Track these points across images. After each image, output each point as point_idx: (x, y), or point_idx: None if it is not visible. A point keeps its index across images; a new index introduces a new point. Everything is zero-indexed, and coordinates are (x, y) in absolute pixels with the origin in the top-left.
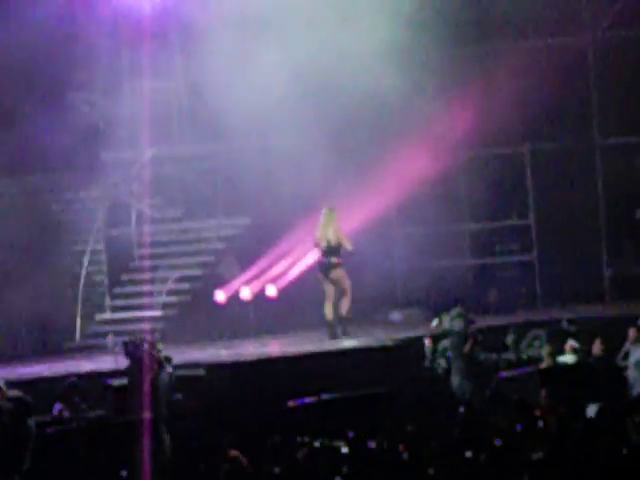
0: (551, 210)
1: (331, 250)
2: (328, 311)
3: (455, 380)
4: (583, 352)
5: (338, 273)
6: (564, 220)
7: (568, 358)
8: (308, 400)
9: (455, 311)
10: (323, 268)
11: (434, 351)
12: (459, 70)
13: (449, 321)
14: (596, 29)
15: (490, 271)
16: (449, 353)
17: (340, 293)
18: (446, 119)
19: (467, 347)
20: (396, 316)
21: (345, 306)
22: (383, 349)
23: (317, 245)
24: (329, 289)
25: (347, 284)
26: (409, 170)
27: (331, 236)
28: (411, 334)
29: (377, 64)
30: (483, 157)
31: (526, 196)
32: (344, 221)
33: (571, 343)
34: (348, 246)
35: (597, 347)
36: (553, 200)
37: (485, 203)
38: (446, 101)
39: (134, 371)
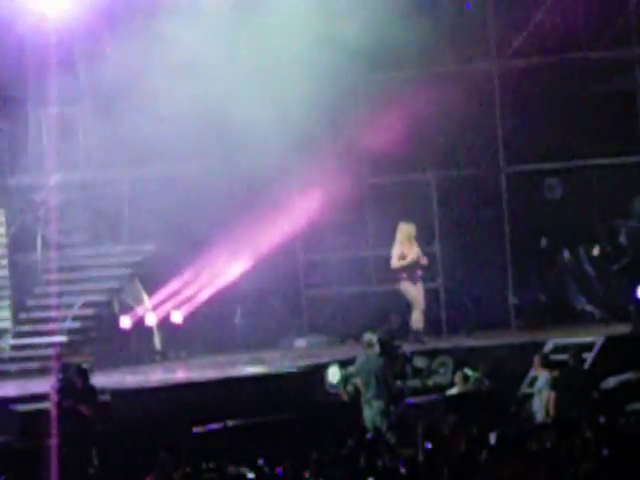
0: (457, 237)
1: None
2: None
3: (375, 405)
4: (479, 380)
5: (403, 286)
6: (470, 247)
7: (454, 389)
8: (214, 426)
9: (374, 336)
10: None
11: (341, 377)
12: (365, 97)
13: (367, 346)
14: (501, 56)
15: (395, 298)
16: (355, 379)
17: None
18: (351, 146)
19: (398, 369)
20: (301, 342)
21: (415, 320)
22: (288, 375)
23: (403, 258)
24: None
25: (413, 298)
26: (314, 197)
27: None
28: (316, 360)
29: (282, 90)
30: (389, 184)
31: (432, 223)
32: (248, 249)
33: (462, 373)
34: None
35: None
36: (459, 227)
37: (390, 230)
38: (352, 128)
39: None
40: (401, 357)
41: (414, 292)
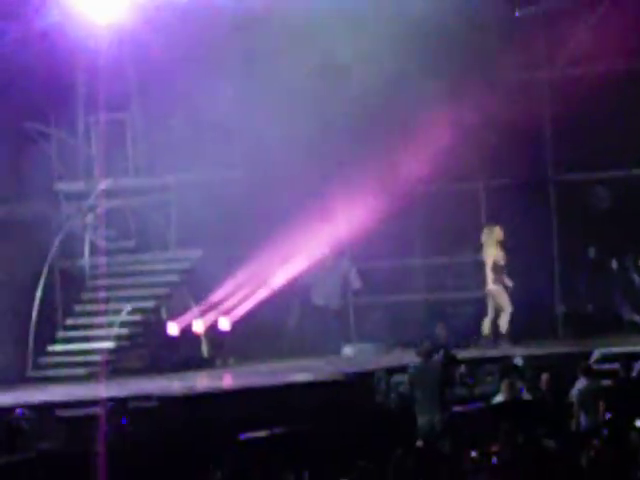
0: (505, 246)
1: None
2: (485, 326)
3: (431, 414)
4: (531, 388)
5: (493, 290)
6: (517, 256)
7: (499, 397)
8: (261, 433)
9: (428, 346)
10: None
11: (388, 386)
12: (414, 105)
13: (425, 355)
14: (552, 66)
15: (443, 306)
16: (404, 388)
17: (499, 309)
18: (401, 154)
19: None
20: (349, 350)
21: (502, 323)
22: (335, 383)
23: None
24: (490, 304)
25: (503, 301)
26: (363, 204)
27: (491, 253)
28: (363, 368)
29: (333, 97)
30: (438, 192)
31: (480, 232)
32: (299, 254)
33: (509, 381)
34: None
35: (544, 382)
36: (507, 236)
37: (439, 238)
38: (401, 135)
39: None
40: (455, 366)
41: (504, 297)
